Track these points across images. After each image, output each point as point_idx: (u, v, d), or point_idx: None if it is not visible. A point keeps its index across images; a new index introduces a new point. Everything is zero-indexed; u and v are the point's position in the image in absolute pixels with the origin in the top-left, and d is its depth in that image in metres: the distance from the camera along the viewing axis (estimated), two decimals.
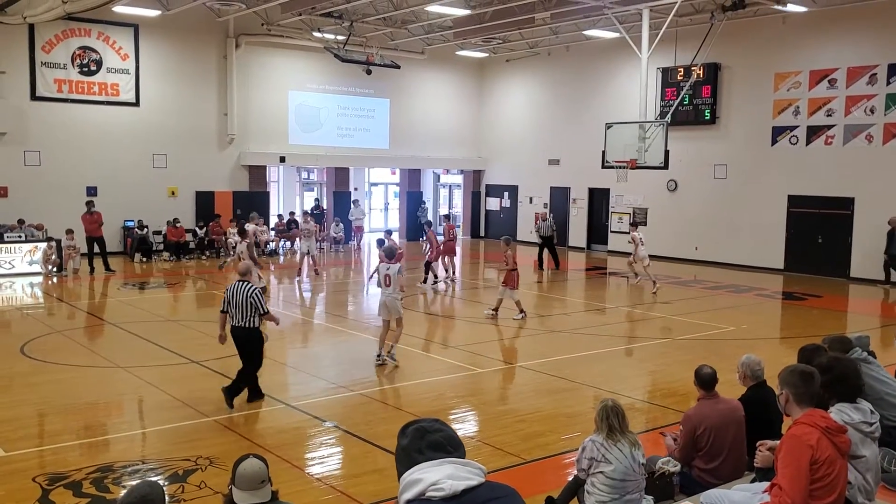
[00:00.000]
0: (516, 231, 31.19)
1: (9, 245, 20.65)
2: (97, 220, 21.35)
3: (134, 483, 4.47)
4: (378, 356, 11.70)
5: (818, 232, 22.40)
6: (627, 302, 18.65)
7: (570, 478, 6.11)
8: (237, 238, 24.79)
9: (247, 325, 9.49)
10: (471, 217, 33.43)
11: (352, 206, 29.19)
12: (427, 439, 2.66)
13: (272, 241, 26.61)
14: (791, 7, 21.35)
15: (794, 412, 4.47)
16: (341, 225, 28.61)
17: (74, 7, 18.68)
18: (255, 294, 9.48)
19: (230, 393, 9.47)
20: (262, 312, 9.51)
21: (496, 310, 15.40)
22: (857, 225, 21.70)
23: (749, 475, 5.89)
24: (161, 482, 7.09)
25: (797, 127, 22.80)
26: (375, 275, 12.46)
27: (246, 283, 9.56)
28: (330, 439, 8.62)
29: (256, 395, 9.79)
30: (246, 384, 9.65)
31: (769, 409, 6.10)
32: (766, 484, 4.75)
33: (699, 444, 6.14)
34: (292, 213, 28.38)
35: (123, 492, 3.95)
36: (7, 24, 21.59)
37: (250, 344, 9.61)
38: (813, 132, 22.47)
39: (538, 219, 27.60)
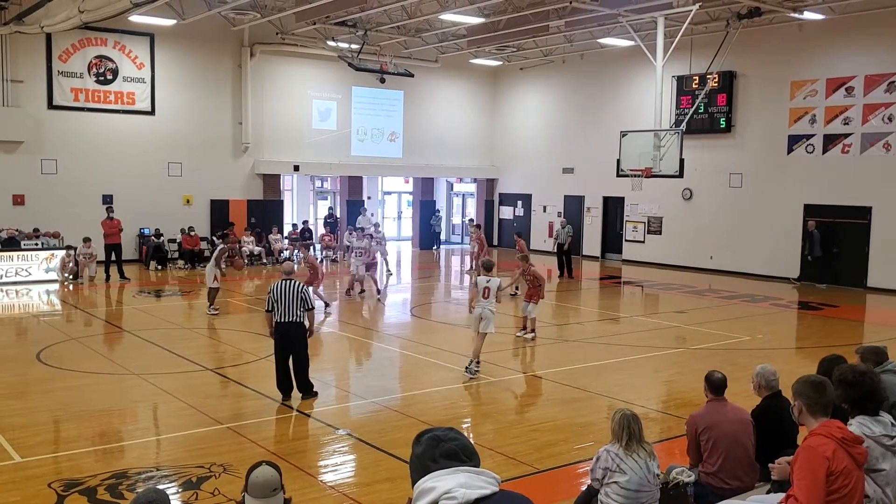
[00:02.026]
0: (530, 240, 31.15)
1: (25, 253, 20.81)
2: (117, 225, 21.51)
3: (141, 490, 4.49)
4: (474, 365, 11.69)
5: (835, 241, 22.21)
6: (642, 311, 18.56)
7: (584, 487, 6.08)
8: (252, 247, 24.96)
9: (296, 319, 9.90)
10: (484, 226, 33.37)
11: (360, 213, 29.22)
12: (441, 448, 2.65)
13: (286, 249, 26.66)
14: (808, 15, 21.25)
15: (809, 423, 4.43)
16: (354, 234, 28.60)
17: (91, 17, 18.82)
18: (304, 290, 10.00)
19: (302, 389, 10.09)
20: (307, 308, 9.95)
21: (533, 329, 14.43)
22: (874, 234, 21.53)
23: (764, 486, 5.83)
24: (174, 489, 7.12)
25: (814, 135, 22.67)
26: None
27: (292, 281, 10.01)
28: (343, 447, 8.61)
29: (310, 391, 10.13)
30: (302, 380, 10.10)
31: (784, 419, 6.04)
32: (781, 496, 4.70)
33: (701, 446, 6.19)
34: (305, 222, 28.46)
35: (132, 498, 3.96)
36: (25, 34, 21.81)
37: (300, 338, 10.02)
38: (830, 141, 22.33)
39: (552, 228, 27.59)
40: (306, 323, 10.10)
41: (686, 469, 6.21)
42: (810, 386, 4.47)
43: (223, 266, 17.00)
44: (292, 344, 9.99)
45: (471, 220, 28.66)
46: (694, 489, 6.12)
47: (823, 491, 4.08)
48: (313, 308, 10.20)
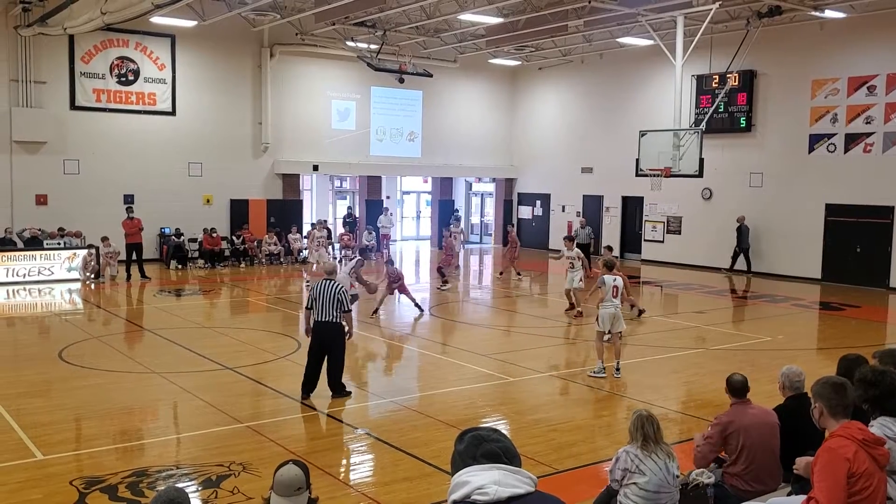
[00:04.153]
0: (548, 240, 31.11)
1: (48, 252, 21.02)
2: (137, 225, 21.65)
3: (162, 488, 4.53)
4: (601, 370, 11.52)
5: (857, 241, 22.03)
6: (661, 311, 18.48)
7: (603, 489, 6.06)
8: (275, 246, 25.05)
9: (331, 320, 9.99)
10: (503, 226, 33.36)
11: (382, 213, 29.32)
12: (483, 448, 2.68)
13: (305, 248, 26.75)
14: (829, 13, 21.06)
15: (830, 425, 4.39)
16: (373, 233, 28.73)
17: (113, 18, 18.98)
18: (341, 291, 10.05)
19: (333, 388, 10.17)
20: (345, 309, 10.02)
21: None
22: None
23: (785, 487, 5.80)
24: (194, 487, 7.17)
25: (835, 135, 22.46)
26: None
27: (332, 281, 10.14)
28: (362, 446, 8.64)
29: (341, 392, 10.25)
30: (334, 380, 10.22)
31: (806, 420, 6.00)
32: (802, 497, 4.67)
33: (729, 446, 6.14)
34: (324, 222, 28.53)
35: (152, 496, 4.00)
36: (48, 35, 22.04)
37: (334, 339, 10.09)
38: (851, 140, 22.13)
39: (571, 228, 27.50)
40: (344, 324, 10.19)
41: (706, 470, 6.18)
42: (830, 387, 4.43)
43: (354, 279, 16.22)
44: (327, 343, 10.11)
45: (455, 220, 28.46)
46: (714, 491, 6.08)
47: (845, 493, 4.04)
48: (350, 310, 10.28)
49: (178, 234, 24.64)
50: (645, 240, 28.06)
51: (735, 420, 6.16)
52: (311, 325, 10.19)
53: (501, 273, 23.91)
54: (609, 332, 11.82)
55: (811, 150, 23.05)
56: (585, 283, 16.53)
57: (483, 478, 2.60)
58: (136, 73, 24.49)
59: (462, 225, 26.40)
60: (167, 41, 24.85)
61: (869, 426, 4.57)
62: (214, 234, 24.86)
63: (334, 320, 10.00)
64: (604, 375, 11.47)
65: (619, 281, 11.73)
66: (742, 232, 24.10)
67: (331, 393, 10.19)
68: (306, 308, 10.33)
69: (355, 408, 10.17)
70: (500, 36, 25.39)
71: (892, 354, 6.26)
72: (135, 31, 23.74)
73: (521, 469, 2.67)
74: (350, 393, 10.34)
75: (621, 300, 11.96)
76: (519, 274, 22.93)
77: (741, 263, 24.30)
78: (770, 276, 23.56)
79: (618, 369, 11.66)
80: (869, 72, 21.66)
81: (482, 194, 35.81)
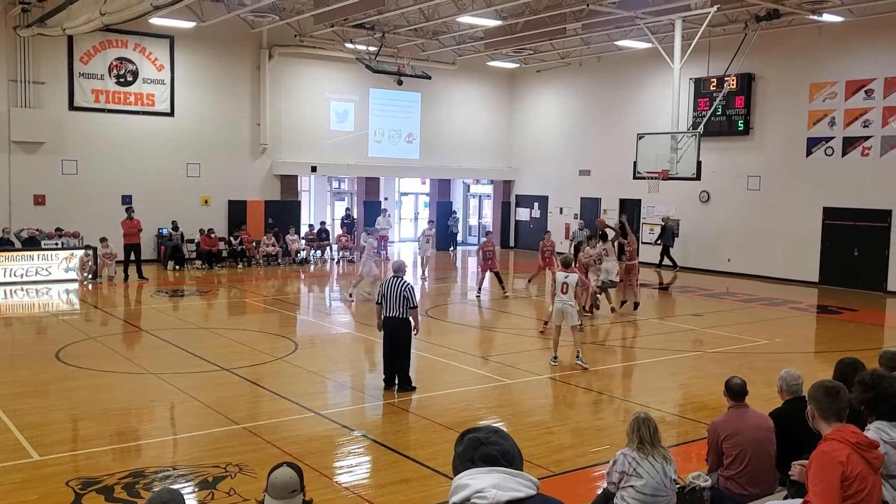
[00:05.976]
0: None
1: (46, 252, 21.00)
2: (136, 225, 21.61)
3: (156, 490, 4.52)
4: (554, 359, 12.41)
5: (854, 244, 22.06)
6: (658, 314, 18.49)
7: (599, 491, 6.07)
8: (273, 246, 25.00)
9: (399, 315, 10.49)
10: (500, 227, 33.38)
11: (380, 214, 29.30)
12: (480, 451, 2.67)
13: (303, 249, 26.76)
14: (827, 17, 21.10)
15: (822, 428, 4.41)
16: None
17: (112, 19, 18.96)
18: (408, 288, 10.50)
19: (400, 382, 10.71)
20: (411, 305, 10.46)
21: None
22: (894, 237, 21.33)
23: (781, 491, 5.80)
24: (190, 489, 7.17)
25: (833, 138, 22.50)
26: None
27: (399, 279, 10.60)
28: (358, 448, 8.63)
29: (407, 386, 10.67)
30: (401, 374, 10.72)
31: (803, 424, 6.00)
32: (798, 501, 4.68)
33: (723, 452, 6.15)
34: (323, 223, 28.56)
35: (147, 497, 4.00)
36: (47, 36, 22.02)
37: (403, 334, 10.58)
38: (849, 143, 22.16)
39: (569, 230, 27.51)
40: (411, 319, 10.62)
41: (703, 473, 6.19)
42: (823, 391, 4.45)
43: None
44: (396, 339, 10.56)
45: (430, 221, 28.35)
46: (711, 494, 6.09)
47: (839, 496, 4.05)
48: (416, 307, 10.65)
49: (175, 227, 24.37)
50: (642, 242, 28.02)
51: (728, 425, 6.18)
52: (382, 320, 10.68)
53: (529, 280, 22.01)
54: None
55: (809, 153, 23.08)
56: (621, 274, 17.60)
57: (483, 481, 2.59)
58: (135, 74, 24.49)
59: (434, 229, 25.69)
60: (166, 42, 24.85)
61: (865, 430, 4.58)
62: (212, 235, 24.84)
63: (401, 316, 10.46)
64: (556, 363, 12.30)
65: (571, 278, 12.36)
66: (665, 231, 25.57)
67: (397, 387, 10.65)
68: (377, 304, 10.80)
69: (352, 409, 10.18)
70: (499, 38, 25.43)
71: (891, 357, 6.27)
72: (134, 31, 23.73)
73: (522, 472, 2.66)
74: (415, 388, 10.68)
75: (574, 296, 12.60)
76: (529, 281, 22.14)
77: (673, 259, 25.76)
78: (767, 279, 23.59)
79: (578, 357, 12.31)
80: (866, 76, 21.69)
81: (480, 196, 35.83)
